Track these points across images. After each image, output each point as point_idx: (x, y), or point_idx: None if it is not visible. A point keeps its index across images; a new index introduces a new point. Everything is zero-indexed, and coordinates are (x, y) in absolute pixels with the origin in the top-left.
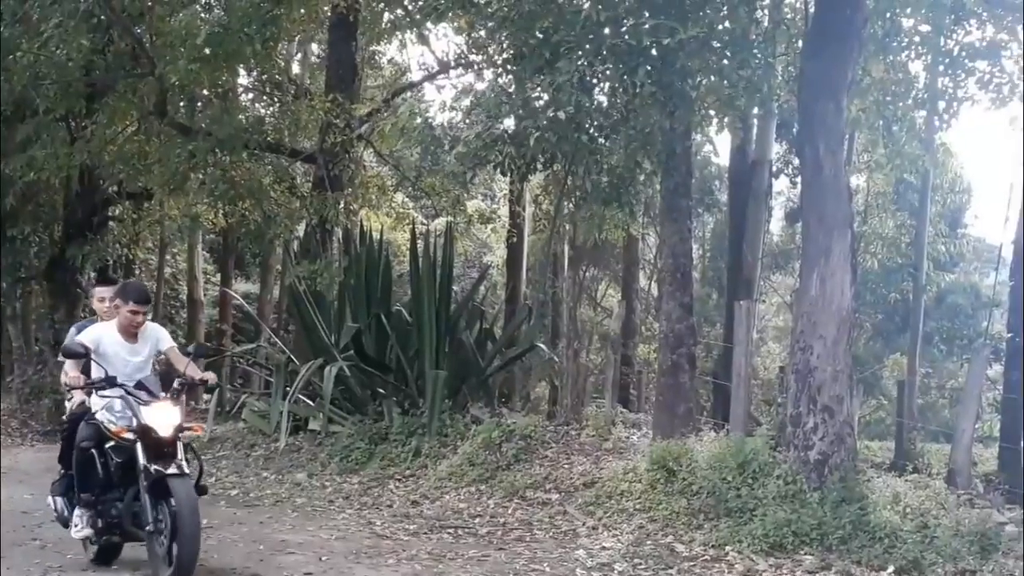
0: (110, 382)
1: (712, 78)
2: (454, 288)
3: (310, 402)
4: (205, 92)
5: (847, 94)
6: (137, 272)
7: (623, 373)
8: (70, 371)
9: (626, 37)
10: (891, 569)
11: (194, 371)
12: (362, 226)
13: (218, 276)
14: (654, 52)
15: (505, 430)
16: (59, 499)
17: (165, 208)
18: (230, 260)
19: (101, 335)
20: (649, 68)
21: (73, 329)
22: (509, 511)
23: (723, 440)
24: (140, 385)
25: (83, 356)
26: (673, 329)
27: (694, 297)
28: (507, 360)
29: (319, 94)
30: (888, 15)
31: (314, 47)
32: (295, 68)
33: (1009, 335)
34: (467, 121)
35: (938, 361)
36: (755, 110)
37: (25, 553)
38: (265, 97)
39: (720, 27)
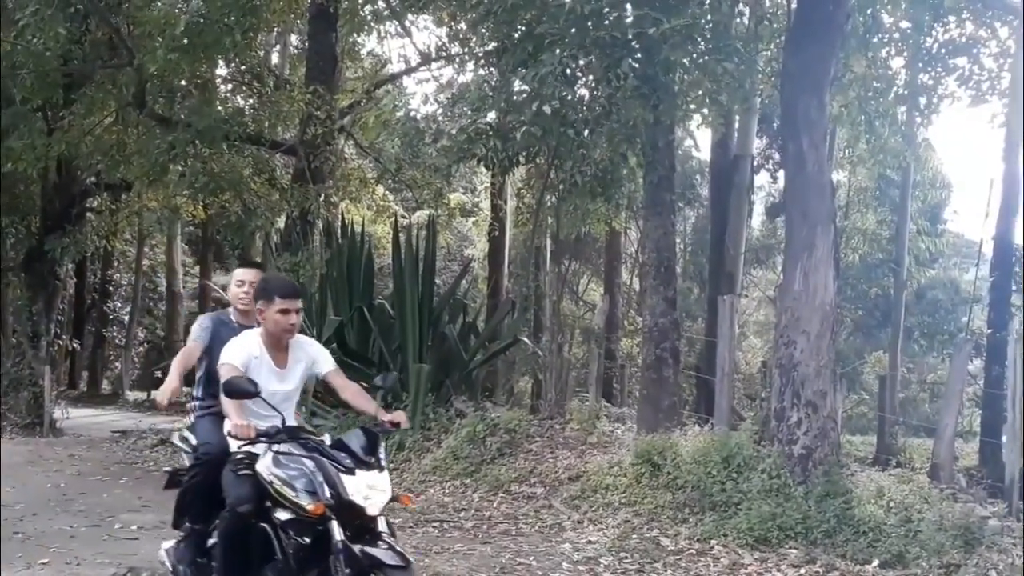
0: (291, 433)
1: (695, 72)
2: (436, 281)
3: None
4: (184, 83)
5: (829, 90)
6: (115, 264)
7: (606, 367)
8: (234, 415)
9: (610, 29)
10: (876, 563)
11: (382, 412)
12: (343, 218)
13: (197, 268)
14: (637, 45)
15: (489, 424)
16: (182, 566)
17: (143, 199)
18: (209, 252)
19: (250, 353)
20: (633, 61)
21: (205, 323)
22: (494, 505)
23: (707, 434)
24: (340, 444)
25: (254, 395)
26: (657, 323)
27: (677, 292)
28: (490, 354)
29: (299, 85)
30: (869, 11)
31: (294, 38)
32: (275, 59)
33: (989, 331)
34: (449, 114)
35: (918, 356)
36: (737, 105)
37: (7, 547)
38: (245, 88)
39: (703, 20)
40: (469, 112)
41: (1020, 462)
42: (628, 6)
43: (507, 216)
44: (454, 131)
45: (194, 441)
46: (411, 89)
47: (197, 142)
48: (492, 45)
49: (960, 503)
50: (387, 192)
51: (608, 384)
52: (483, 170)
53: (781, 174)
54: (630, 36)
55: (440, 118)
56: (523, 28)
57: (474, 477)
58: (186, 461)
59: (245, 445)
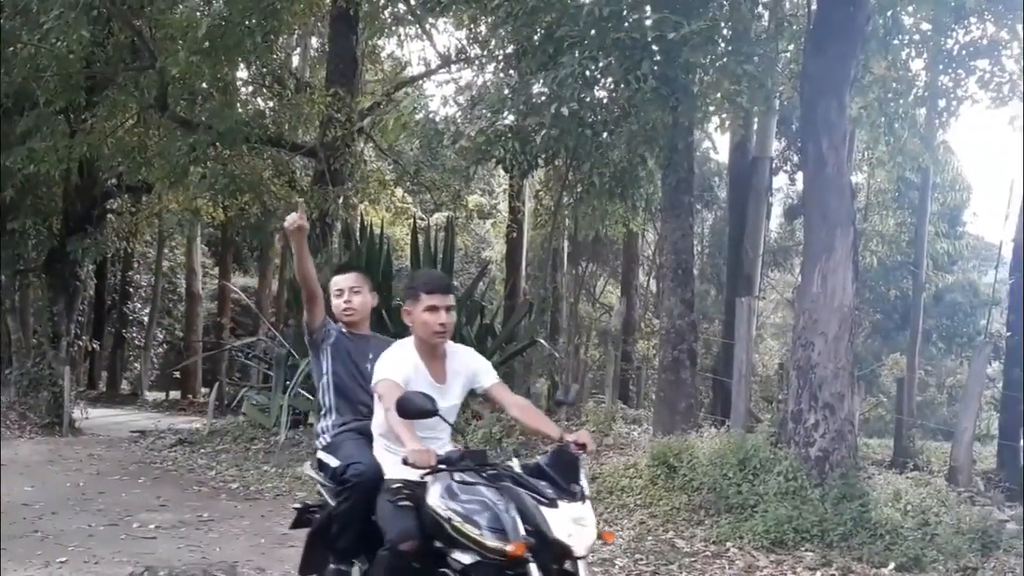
0: (477, 459)
1: (715, 74)
2: (454, 283)
3: (310, 396)
4: (205, 85)
5: (849, 91)
6: (136, 265)
7: (623, 369)
8: (409, 439)
9: (629, 32)
10: (892, 566)
11: (565, 432)
12: (362, 220)
13: (216, 270)
14: (657, 47)
15: (505, 425)
16: None
17: (164, 201)
18: (228, 254)
19: (408, 366)
20: (652, 63)
21: (333, 324)
22: None
23: (724, 436)
24: (537, 469)
25: (433, 413)
26: (674, 325)
27: (694, 293)
28: (507, 355)
29: (319, 88)
30: (889, 12)
31: (314, 41)
32: (295, 62)
33: (1008, 333)
34: (468, 116)
35: (936, 359)
36: (757, 107)
37: (26, 545)
38: (265, 91)
39: (723, 23)
40: (488, 114)
41: None
42: (648, 8)
43: (525, 218)
44: (473, 133)
45: (335, 463)
46: (430, 91)
47: (218, 144)
48: (511, 47)
49: (978, 506)
50: (406, 194)
51: (624, 386)
52: (501, 172)
53: (799, 176)
54: (650, 38)
55: (459, 120)
56: (543, 30)
57: None
58: (326, 496)
59: (427, 474)
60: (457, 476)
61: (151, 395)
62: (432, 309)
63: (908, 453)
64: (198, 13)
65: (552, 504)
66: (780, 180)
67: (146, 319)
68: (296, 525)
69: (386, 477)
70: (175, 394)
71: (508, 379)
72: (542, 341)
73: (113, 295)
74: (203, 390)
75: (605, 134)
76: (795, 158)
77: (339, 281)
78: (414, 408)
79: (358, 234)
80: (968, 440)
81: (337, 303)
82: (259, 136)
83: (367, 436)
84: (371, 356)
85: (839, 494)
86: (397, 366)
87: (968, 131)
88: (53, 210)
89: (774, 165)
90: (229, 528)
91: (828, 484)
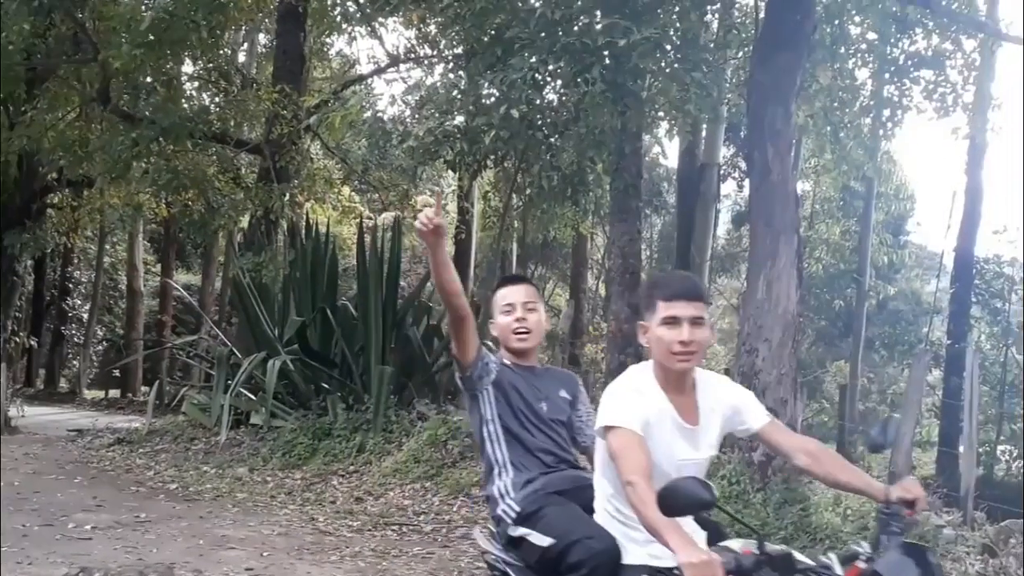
0: (781, 566)
1: (663, 80)
2: (401, 283)
3: (252, 396)
4: (149, 79)
5: (795, 99)
6: (76, 261)
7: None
8: (681, 544)
9: (579, 36)
10: None
11: (885, 486)
12: (308, 219)
13: (159, 266)
14: (606, 52)
15: (451, 427)
16: None
17: (105, 196)
18: (171, 250)
19: (648, 406)
20: (602, 68)
21: (494, 357)
22: (454, 508)
23: None
24: (903, 565)
25: (710, 505)
26: (621, 329)
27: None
28: (454, 357)
29: (266, 84)
30: (836, 22)
31: (262, 37)
32: (242, 57)
33: (949, 342)
34: (417, 116)
35: (879, 366)
36: (705, 114)
37: None
38: (211, 86)
39: (672, 30)
40: (437, 114)
41: (975, 472)
42: (598, 13)
43: (474, 219)
44: (421, 133)
45: (546, 541)
46: (379, 90)
47: (161, 139)
48: (461, 48)
49: None
50: (353, 193)
51: None
52: (450, 172)
53: (747, 183)
54: (600, 43)
55: (408, 120)
56: (492, 32)
57: (435, 480)
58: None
59: None
60: None
61: (90, 393)
62: (671, 322)
63: (850, 459)
64: (142, 6)
65: None
66: (729, 187)
67: (86, 316)
68: None
69: (623, 562)
70: (114, 392)
71: (455, 380)
72: (489, 343)
73: (52, 291)
74: (143, 389)
75: (555, 137)
76: (743, 165)
77: (508, 294)
78: (685, 503)
79: (303, 233)
80: (907, 446)
81: (506, 322)
82: (204, 132)
83: (567, 494)
84: (545, 395)
85: (781, 498)
86: (634, 406)
87: (912, 141)
88: None
89: (722, 172)
90: (167, 529)
91: (770, 488)
